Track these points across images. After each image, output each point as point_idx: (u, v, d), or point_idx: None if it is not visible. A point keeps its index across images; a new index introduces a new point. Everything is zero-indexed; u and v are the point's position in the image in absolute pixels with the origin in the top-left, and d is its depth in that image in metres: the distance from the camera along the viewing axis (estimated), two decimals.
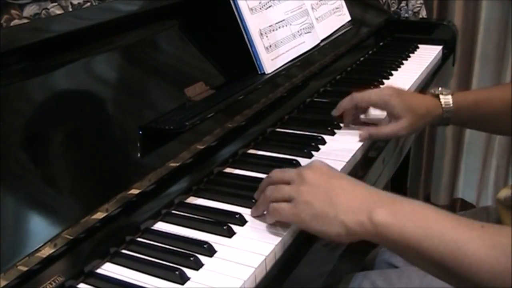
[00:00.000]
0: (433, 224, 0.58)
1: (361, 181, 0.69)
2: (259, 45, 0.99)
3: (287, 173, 0.70)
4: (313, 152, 0.90)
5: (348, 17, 1.36)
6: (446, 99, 0.95)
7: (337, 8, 1.32)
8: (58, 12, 0.88)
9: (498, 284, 0.52)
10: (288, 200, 0.66)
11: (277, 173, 0.72)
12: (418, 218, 0.59)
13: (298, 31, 1.11)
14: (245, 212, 0.73)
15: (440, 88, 0.97)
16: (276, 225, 0.69)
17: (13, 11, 0.81)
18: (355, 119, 1.00)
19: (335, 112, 0.99)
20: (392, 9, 1.75)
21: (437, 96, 0.95)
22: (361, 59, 1.42)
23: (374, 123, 0.99)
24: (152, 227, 0.72)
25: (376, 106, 0.96)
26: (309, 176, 0.66)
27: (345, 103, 0.98)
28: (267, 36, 1.01)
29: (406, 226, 0.59)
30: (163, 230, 0.71)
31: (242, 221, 0.71)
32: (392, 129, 0.93)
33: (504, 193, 0.94)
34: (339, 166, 0.84)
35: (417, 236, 0.58)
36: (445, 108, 0.94)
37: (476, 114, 0.97)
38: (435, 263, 0.57)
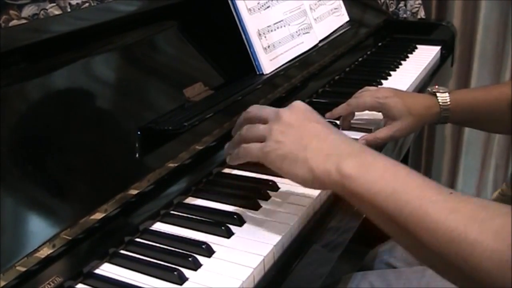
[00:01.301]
0: (401, 183, 0.56)
1: (340, 131, 0.67)
2: (258, 45, 0.99)
3: (265, 110, 0.68)
4: None
5: (346, 18, 1.36)
6: (444, 97, 0.95)
7: (335, 9, 1.32)
8: (57, 12, 0.88)
9: (453, 248, 0.50)
10: (261, 139, 0.65)
11: (254, 109, 0.70)
12: (387, 175, 0.57)
13: (296, 32, 1.11)
14: (244, 212, 0.73)
15: (437, 86, 0.97)
16: (275, 226, 0.70)
17: (11, 12, 0.81)
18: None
19: (329, 116, 1.00)
20: (391, 9, 1.75)
21: (434, 94, 0.96)
22: (360, 59, 1.42)
23: (369, 127, 0.99)
24: (151, 228, 0.72)
25: (373, 109, 0.96)
26: (286, 115, 0.64)
27: (341, 110, 0.98)
28: (265, 37, 1.01)
29: (373, 181, 0.56)
30: (162, 231, 0.71)
31: (240, 222, 0.71)
32: (388, 133, 0.93)
33: (494, 195, 0.94)
34: None
35: (383, 193, 0.55)
36: (443, 106, 0.94)
37: (474, 112, 0.97)
38: (398, 223, 0.55)
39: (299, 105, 0.67)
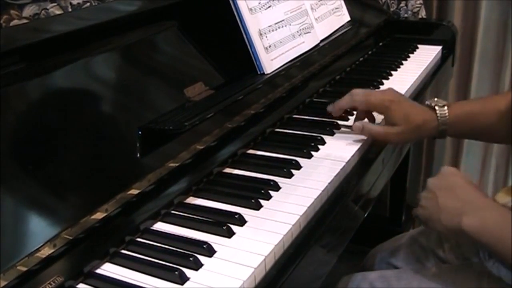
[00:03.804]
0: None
1: (471, 183, 0.80)
2: (259, 45, 0.99)
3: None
4: (313, 152, 0.90)
5: (347, 17, 1.36)
6: (442, 111, 0.93)
7: (336, 8, 1.32)
8: (58, 12, 0.88)
9: None
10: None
11: None
12: (504, 226, 0.71)
13: (297, 31, 1.11)
14: (245, 212, 0.73)
15: (436, 99, 0.96)
16: (275, 226, 0.70)
17: (12, 11, 0.81)
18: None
19: (331, 108, 1.00)
20: (392, 9, 1.75)
21: (433, 108, 0.94)
22: (361, 59, 1.42)
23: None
24: (152, 227, 0.72)
25: (375, 109, 0.96)
26: (430, 183, 0.81)
27: (344, 103, 0.98)
28: (266, 36, 1.01)
29: (492, 233, 0.72)
30: (163, 230, 0.71)
31: (241, 221, 0.71)
32: (385, 130, 0.93)
33: (502, 199, 0.93)
34: (338, 166, 0.85)
35: (505, 240, 0.71)
36: (441, 120, 0.93)
37: (471, 125, 0.95)
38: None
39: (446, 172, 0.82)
